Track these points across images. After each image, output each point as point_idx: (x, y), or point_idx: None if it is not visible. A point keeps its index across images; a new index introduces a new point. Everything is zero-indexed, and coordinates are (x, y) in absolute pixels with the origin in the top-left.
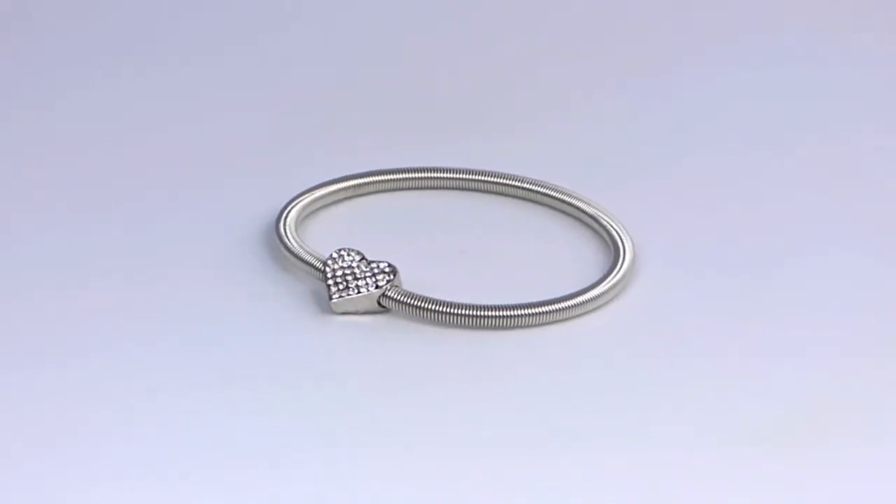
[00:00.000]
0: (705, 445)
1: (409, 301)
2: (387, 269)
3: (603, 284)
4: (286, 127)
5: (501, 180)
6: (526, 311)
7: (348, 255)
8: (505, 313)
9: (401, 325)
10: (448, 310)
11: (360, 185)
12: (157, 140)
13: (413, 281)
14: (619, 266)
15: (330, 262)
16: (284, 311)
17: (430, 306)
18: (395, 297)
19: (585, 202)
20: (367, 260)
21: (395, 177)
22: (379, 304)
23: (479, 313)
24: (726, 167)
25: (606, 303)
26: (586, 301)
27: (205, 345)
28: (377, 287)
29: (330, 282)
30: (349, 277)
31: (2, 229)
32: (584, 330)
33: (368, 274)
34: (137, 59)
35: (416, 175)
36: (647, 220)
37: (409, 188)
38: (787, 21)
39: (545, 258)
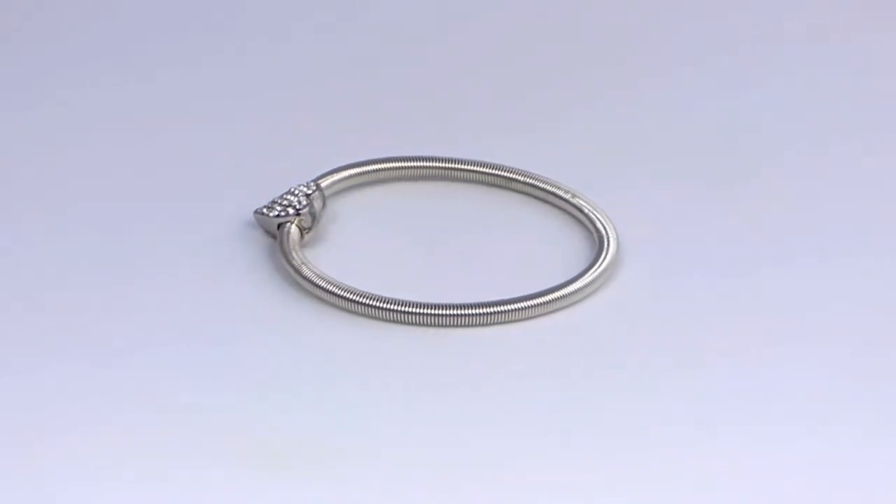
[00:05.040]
0: (694, 444)
1: (283, 247)
2: (299, 208)
3: (578, 281)
4: (282, 123)
5: (483, 169)
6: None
7: (308, 188)
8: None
9: (409, 330)
10: (314, 282)
11: (343, 180)
12: (159, 136)
13: (396, 272)
14: (601, 259)
15: (295, 188)
16: (288, 302)
17: (292, 263)
18: (282, 236)
19: (570, 192)
20: (310, 199)
21: (380, 167)
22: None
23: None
24: (717, 162)
25: (585, 297)
26: (552, 300)
27: (211, 336)
28: (278, 216)
29: (272, 200)
30: (282, 202)
31: (13, 241)
32: (559, 325)
33: (293, 206)
34: (137, 58)
35: (402, 165)
36: (633, 211)
37: (395, 179)
38: (786, 25)
39: (528, 249)
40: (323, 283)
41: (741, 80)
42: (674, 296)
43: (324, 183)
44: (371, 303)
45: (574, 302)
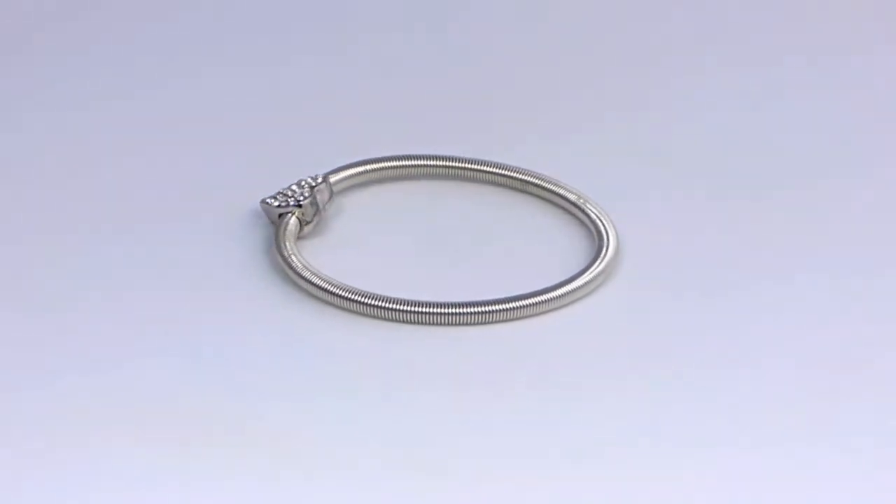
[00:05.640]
0: (690, 445)
1: (276, 237)
2: (300, 199)
3: (577, 280)
4: (295, 122)
5: (485, 168)
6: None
7: (314, 180)
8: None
9: (409, 329)
10: (293, 268)
11: (349, 177)
12: (162, 135)
13: (394, 269)
14: (600, 258)
15: (302, 180)
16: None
17: (282, 253)
18: (279, 226)
19: (569, 191)
20: (313, 191)
21: (380, 166)
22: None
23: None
24: (718, 168)
25: (583, 297)
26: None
27: (208, 334)
28: (279, 206)
29: (279, 190)
30: (286, 192)
31: (10, 241)
32: (558, 324)
33: (295, 197)
34: (141, 57)
35: (403, 164)
36: (633, 211)
37: (396, 178)
38: (797, 39)
39: (527, 247)
40: (308, 275)
41: (748, 91)
42: (672, 296)
43: (332, 178)
44: (361, 300)
45: (572, 301)
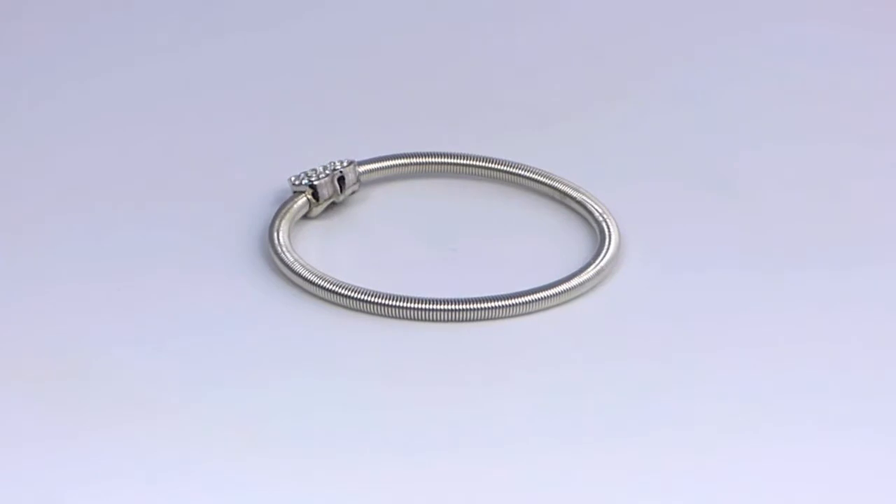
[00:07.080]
0: (693, 440)
1: (272, 227)
2: (312, 183)
3: (578, 277)
4: (278, 121)
5: (486, 164)
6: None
7: (340, 164)
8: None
9: (402, 325)
10: (285, 264)
11: (370, 171)
12: (168, 130)
13: (394, 266)
14: (602, 255)
15: (329, 163)
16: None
17: (270, 228)
18: (283, 205)
19: (572, 187)
20: (332, 174)
21: (381, 164)
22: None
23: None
24: (719, 163)
25: (585, 293)
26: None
27: (203, 326)
28: (293, 185)
29: (305, 171)
30: (308, 172)
31: (4, 227)
32: (558, 321)
33: (310, 177)
34: (134, 53)
35: (406, 161)
36: (634, 208)
37: (397, 176)
38: (794, 33)
39: (529, 244)
40: (284, 256)
41: (749, 87)
42: (673, 293)
43: (360, 169)
44: (344, 292)
45: (574, 297)
